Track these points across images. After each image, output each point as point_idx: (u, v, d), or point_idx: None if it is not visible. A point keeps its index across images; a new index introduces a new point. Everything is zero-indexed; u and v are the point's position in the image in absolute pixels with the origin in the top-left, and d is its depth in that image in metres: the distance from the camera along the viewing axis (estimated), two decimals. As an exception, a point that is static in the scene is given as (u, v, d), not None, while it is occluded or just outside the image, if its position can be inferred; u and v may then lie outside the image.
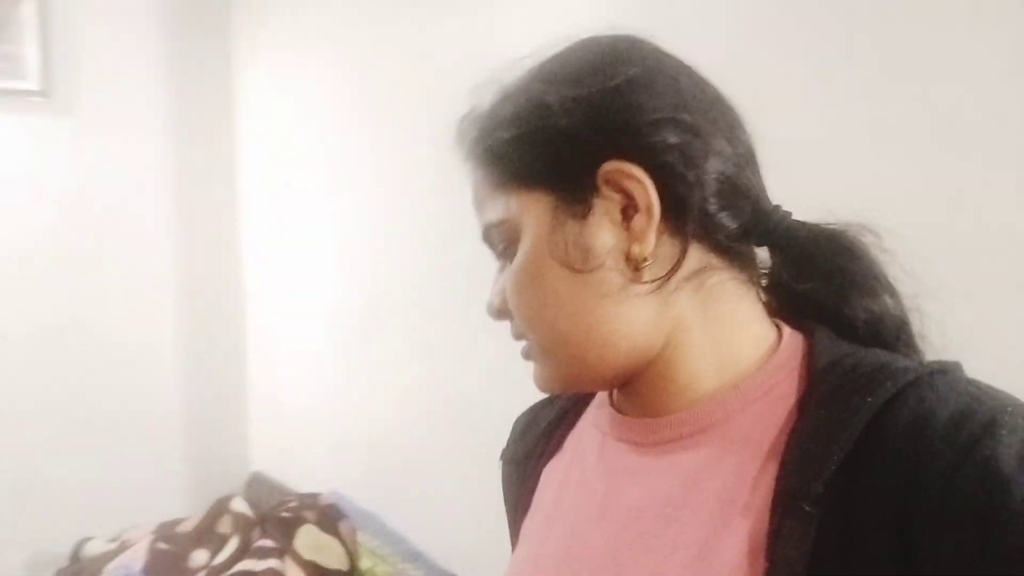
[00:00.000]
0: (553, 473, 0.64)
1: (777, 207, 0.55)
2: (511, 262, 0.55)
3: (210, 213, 2.49)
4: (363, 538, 1.89)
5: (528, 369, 0.59)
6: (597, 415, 0.62)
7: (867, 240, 0.55)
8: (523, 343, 0.58)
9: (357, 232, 2.04)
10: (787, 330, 0.55)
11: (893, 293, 0.55)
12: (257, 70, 2.43)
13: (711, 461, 0.51)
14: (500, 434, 1.64)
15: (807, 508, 0.44)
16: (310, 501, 2.00)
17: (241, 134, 2.51)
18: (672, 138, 0.51)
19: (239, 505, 2.02)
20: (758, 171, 0.55)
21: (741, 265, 0.54)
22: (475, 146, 0.57)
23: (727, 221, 0.52)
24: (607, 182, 0.51)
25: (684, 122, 0.51)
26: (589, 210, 0.52)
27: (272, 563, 1.76)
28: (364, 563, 1.83)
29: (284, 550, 1.79)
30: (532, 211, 0.53)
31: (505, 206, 0.54)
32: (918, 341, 0.55)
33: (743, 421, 0.51)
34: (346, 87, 2.03)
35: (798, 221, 0.55)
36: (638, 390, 0.56)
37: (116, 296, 2.32)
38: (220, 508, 2.04)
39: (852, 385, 0.47)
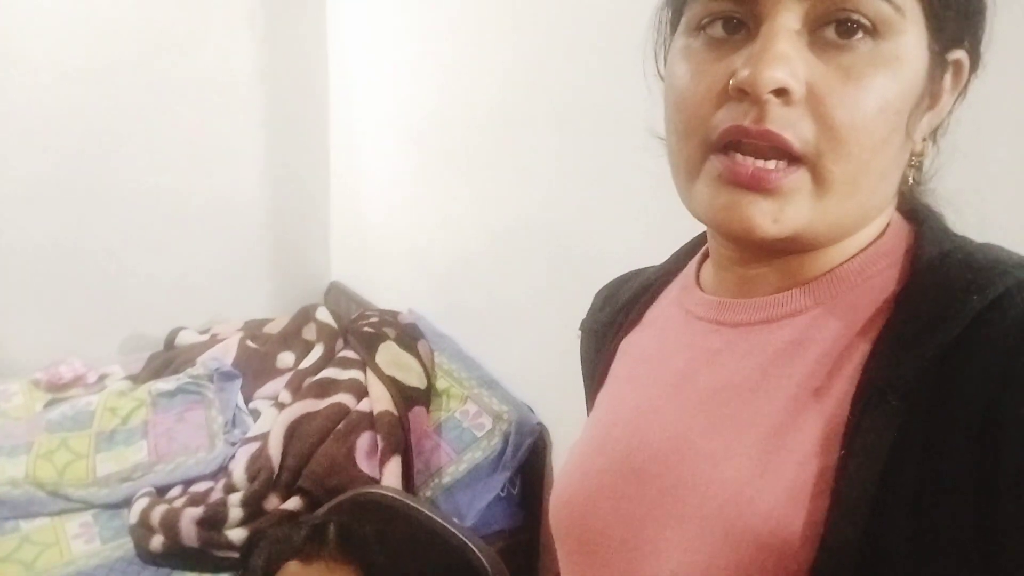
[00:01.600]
0: (631, 346, 0.63)
1: None
2: (854, 51, 0.44)
3: (296, 18, 2.35)
4: (440, 360, 1.94)
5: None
6: (681, 293, 0.60)
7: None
8: (779, 173, 0.45)
9: (446, 47, 1.90)
10: (896, 216, 0.52)
11: None
12: None
13: (795, 347, 0.49)
14: (582, 268, 1.58)
15: (893, 402, 0.42)
16: (390, 318, 2.04)
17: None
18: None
19: (323, 315, 2.07)
20: None
21: None
22: None
23: None
24: (955, 62, 0.49)
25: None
26: (945, 79, 0.49)
27: (355, 374, 1.82)
28: (440, 384, 1.88)
29: (366, 363, 1.84)
30: (917, 35, 0.46)
31: (900, 4, 0.44)
32: None
33: (835, 309, 0.49)
34: None
35: None
36: (758, 264, 0.52)
37: (204, 100, 2.26)
38: (306, 315, 2.10)
39: (958, 281, 0.44)
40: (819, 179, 0.45)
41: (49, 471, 1.61)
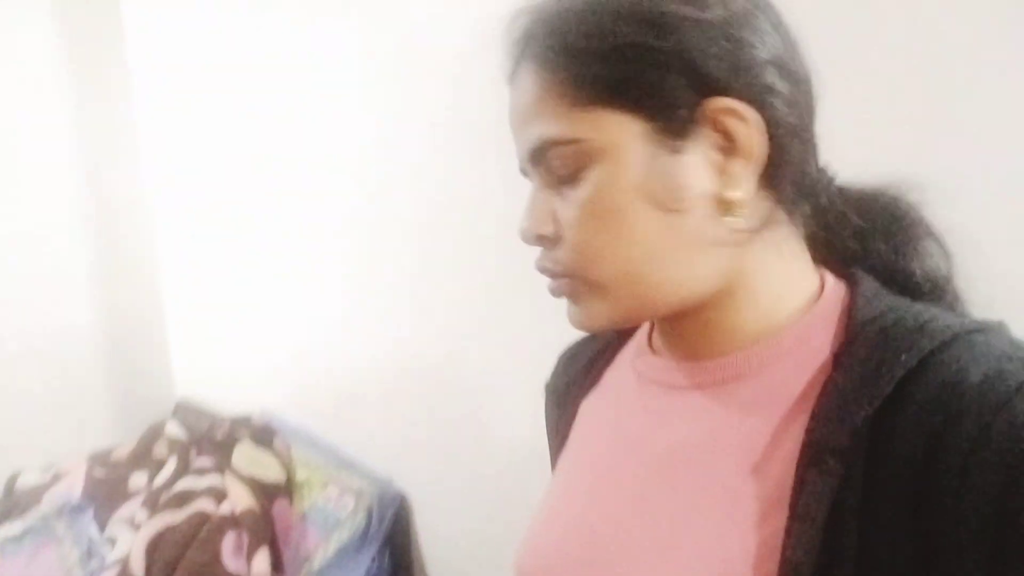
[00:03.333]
0: (590, 407, 0.65)
1: (825, 167, 0.56)
2: (571, 188, 0.51)
3: (108, 128, 2.41)
4: (297, 452, 2.01)
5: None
6: (634, 356, 0.63)
7: (911, 197, 0.56)
8: (557, 281, 0.55)
9: (283, 132, 2.00)
10: (830, 280, 0.55)
11: (943, 246, 0.55)
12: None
13: (742, 408, 0.51)
14: (427, 343, 1.73)
15: (831, 461, 0.44)
16: (242, 422, 2.09)
17: (135, 67, 2.41)
18: (780, 83, 0.48)
19: (173, 429, 2.09)
20: None
21: (798, 218, 0.54)
22: (545, 46, 0.50)
23: (808, 175, 0.53)
24: (710, 119, 0.48)
25: (789, 68, 0.49)
26: (685, 146, 0.48)
27: (212, 480, 1.86)
28: (300, 475, 1.95)
29: (223, 467, 1.88)
30: (617, 136, 0.48)
31: (578, 123, 0.49)
32: (962, 295, 0.55)
33: (778, 371, 0.51)
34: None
35: (845, 182, 0.57)
36: (681, 332, 0.56)
37: (25, 239, 2.26)
38: (154, 433, 2.10)
39: (889, 342, 0.46)
40: (589, 285, 0.52)
41: None
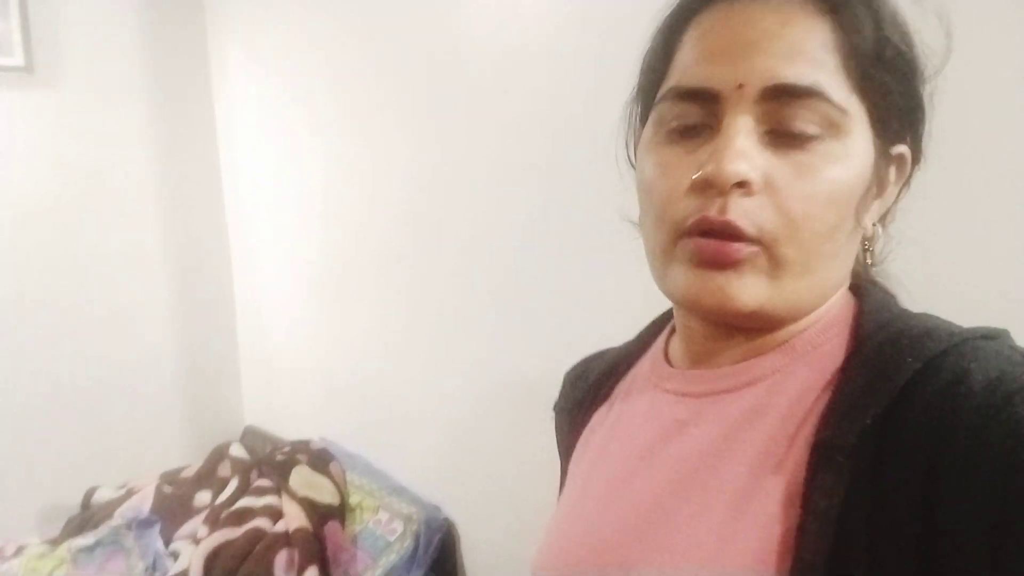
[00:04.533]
0: (601, 421, 0.66)
1: None
2: (797, 151, 0.49)
3: (192, 177, 2.60)
4: (351, 477, 2.07)
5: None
6: (651, 368, 0.63)
7: None
8: (735, 245, 0.49)
9: (340, 184, 2.13)
10: (841, 290, 0.56)
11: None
12: (233, 34, 2.51)
13: (755, 413, 0.52)
14: (476, 379, 1.76)
15: (840, 459, 0.45)
16: (302, 447, 2.17)
17: (219, 97, 2.61)
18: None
19: (237, 451, 2.19)
20: None
21: None
22: (855, 13, 0.50)
23: None
24: (895, 158, 0.53)
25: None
26: (888, 173, 0.53)
27: (270, 499, 1.93)
28: (353, 498, 2.01)
29: (280, 488, 1.96)
30: (862, 133, 0.50)
31: (845, 96, 0.49)
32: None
33: (790, 376, 0.52)
34: (327, 44, 2.09)
35: None
36: (735, 337, 0.55)
37: (112, 270, 2.45)
38: (219, 454, 2.21)
39: (896, 347, 0.48)
40: (774, 261, 0.50)
41: (-32, 640, 1.63)
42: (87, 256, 2.40)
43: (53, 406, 2.35)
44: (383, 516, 1.93)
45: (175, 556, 1.90)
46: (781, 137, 0.49)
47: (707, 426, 0.54)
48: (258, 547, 1.74)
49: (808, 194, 0.48)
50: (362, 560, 1.84)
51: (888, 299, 0.56)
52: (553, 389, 1.57)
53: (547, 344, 1.55)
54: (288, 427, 2.48)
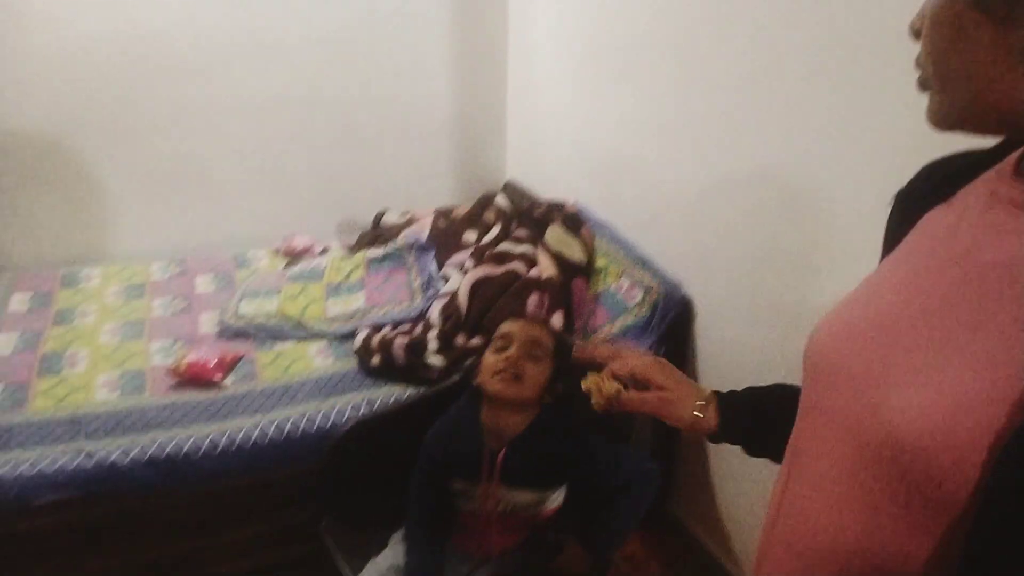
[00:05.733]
0: (933, 217, 0.64)
1: None
2: None
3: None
4: (599, 242, 2.21)
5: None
6: (995, 176, 0.62)
7: None
8: (921, 76, 0.57)
9: None
10: None
11: None
12: None
13: None
14: (739, 164, 1.74)
15: None
16: (557, 207, 2.33)
17: None
18: None
19: (501, 200, 2.41)
20: None
21: None
22: None
23: None
24: None
25: None
26: None
27: (526, 248, 2.14)
28: (600, 262, 2.17)
29: (536, 240, 2.15)
30: None
31: None
32: None
33: None
34: None
35: None
36: None
37: (399, 27, 2.62)
38: (485, 201, 2.44)
39: None
40: (936, 80, 0.56)
41: (294, 309, 2.09)
42: (378, 12, 2.59)
43: (350, 139, 2.72)
44: (625, 282, 2.07)
45: (445, 279, 2.22)
46: None
47: None
48: (515, 285, 1.98)
49: (930, 18, 0.53)
50: (601, 317, 2.02)
51: None
52: (797, 180, 1.54)
53: (798, 133, 1.50)
54: (545, 187, 2.65)
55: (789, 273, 1.62)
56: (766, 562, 0.70)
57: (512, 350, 1.32)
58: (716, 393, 0.93)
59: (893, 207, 0.74)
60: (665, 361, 0.98)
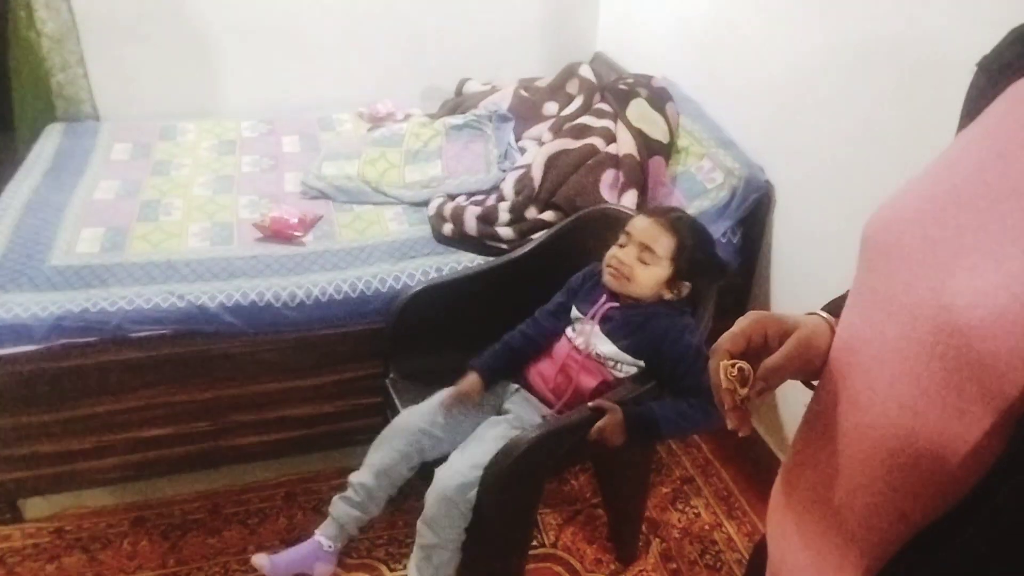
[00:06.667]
0: (1018, 89, 0.59)
1: None
2: None
3: None
4: (684, 121, 2.12)
5: None
6: None
7: None
8: None
9: None
10: None
11: None
12: None
13: None
14: (849, 44, 1.62)
15: None
16: (644, 80, 2.23)
17: None
18: None
19: (585, 71, 2.32)
20: None
21: None
22: None
23: None
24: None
25: None
26: None
27: (607, 123, 2.08)
28: (682, 142, 2.09)
29: (617, 115, 2.08)
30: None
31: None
32: None
33: None
34: None
35: None
36: None
37: None
38: (569, 72, 2.36)
39: None
40: None
41: (373, 173, 2.12)
42: None
43: (438, 3, 2.64)
44: (706, 164, 1.99)
45: (522, 151, 2.19)
46: None
47: None
48: (590, 161, 1.94)
49: None
50: (676, 198, 1.97)
51: None
52: (908, 55, 1.42)
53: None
54: (634, 62, 2.54)
55: (884, 161, 1.52)
56: (803, 434, 0.70)
57: (626, 250, 1.44)
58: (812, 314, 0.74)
59: (975, 76, 0.67)
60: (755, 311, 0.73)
